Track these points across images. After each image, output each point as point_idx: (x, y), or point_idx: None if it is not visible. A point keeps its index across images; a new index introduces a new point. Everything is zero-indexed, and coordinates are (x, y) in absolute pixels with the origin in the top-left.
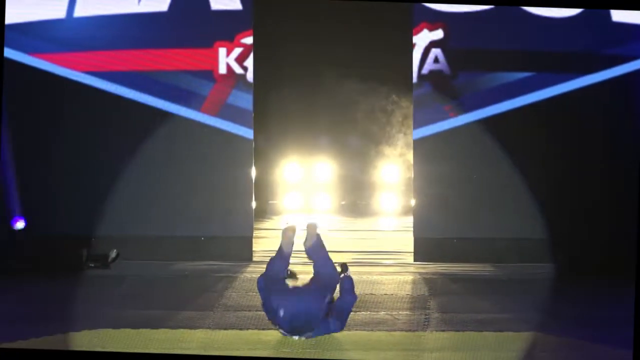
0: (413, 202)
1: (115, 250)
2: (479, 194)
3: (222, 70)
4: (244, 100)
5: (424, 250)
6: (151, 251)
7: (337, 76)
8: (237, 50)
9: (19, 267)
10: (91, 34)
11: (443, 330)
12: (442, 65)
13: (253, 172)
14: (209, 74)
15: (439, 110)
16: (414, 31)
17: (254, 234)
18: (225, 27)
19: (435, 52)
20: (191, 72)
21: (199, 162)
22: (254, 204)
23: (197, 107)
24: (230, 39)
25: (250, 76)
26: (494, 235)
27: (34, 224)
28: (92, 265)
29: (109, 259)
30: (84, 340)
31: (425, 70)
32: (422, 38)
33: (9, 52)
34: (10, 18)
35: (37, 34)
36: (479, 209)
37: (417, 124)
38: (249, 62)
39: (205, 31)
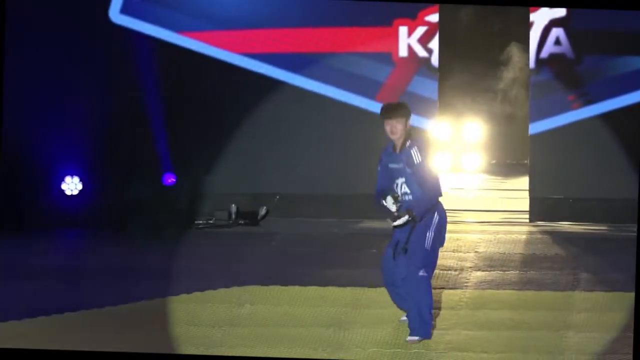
0: (528, 162)
1: (264, 207)
2: (596, 154)
3: (403, 52)
4: (428, 88)
5: (539, 210)
6: (328, 209)
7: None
8: (421, 30)
9: (170, 222)
10: (248, 9)
11: (591, 290)
12: (565, 47)
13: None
14: (387, 57)
15: (560, 101)
16: (531, 8)
17: None
18: (407, 2)
19: (557, 32)
20: (366, 54)
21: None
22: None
23: (372, 96)
24: (412, 17)
25: (435, 60)
26: (612, 195)
27: (184, 181)
28: (242, 222)
29: (259, 217)
30: (233, 297)
31: (544, 54)
32: (541, 16)
33: (156, 30)
34: None
35: (186, 10)
36: (596, 169)
37: (535, 117)
38: (434, 44)
39: (383, 7)
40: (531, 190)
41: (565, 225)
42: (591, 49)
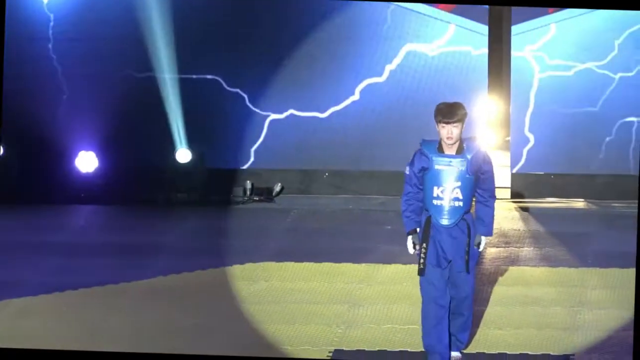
0: (509, 138)
1: (279, 184)
2: (577, 129)
3: None
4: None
5: (521, 186)
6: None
7: None
8: None
9: (186, 199)
10: None
11: (604, 267)
12: None
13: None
14: None
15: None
16: None
17: None
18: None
19: None
20: None
21: None
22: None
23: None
24: None
25: None
26: (592, 171)
27: (201, 157)
28: (257, 198)
29: (274, 193)
30: (248, 273)
31: None
32: None
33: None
34: None
35: None
36: (578, 144)
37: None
38: None
39: None
40: (512, 166)
41: (579, 202)
42: None
